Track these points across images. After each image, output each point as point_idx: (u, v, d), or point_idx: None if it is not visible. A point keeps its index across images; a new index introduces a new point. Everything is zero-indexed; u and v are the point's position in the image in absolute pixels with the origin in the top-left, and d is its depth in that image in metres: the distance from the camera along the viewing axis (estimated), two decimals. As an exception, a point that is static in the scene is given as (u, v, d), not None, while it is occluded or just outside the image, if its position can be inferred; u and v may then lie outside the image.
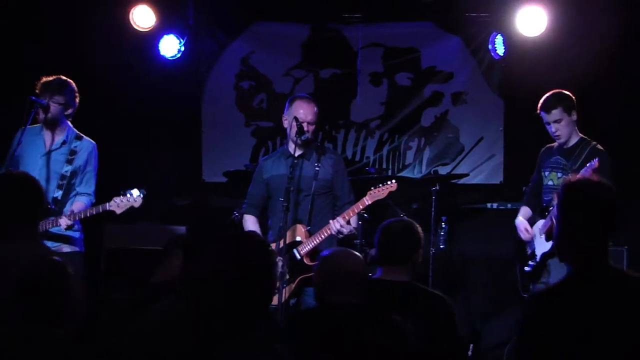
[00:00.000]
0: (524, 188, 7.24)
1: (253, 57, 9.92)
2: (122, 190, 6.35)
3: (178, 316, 3.37)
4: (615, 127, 8.37)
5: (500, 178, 9.37)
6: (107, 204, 6.33)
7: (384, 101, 9.80)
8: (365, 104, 9.78)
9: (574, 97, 6.59)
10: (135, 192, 6.33)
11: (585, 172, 5.97)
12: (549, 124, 6.57)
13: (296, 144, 6.65)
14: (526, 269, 6.73)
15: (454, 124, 9.62)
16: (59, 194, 6.47)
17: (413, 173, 9.64)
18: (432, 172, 9.43)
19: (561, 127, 6.50)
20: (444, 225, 8.22)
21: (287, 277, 6.51)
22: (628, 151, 8.11)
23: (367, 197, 6.69)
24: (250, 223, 6.70)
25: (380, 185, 6.69)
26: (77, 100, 6.70)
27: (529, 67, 8.58)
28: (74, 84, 6.68)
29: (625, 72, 8.61)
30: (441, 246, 8.32)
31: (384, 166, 9.72)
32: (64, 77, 6.61)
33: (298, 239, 6.63)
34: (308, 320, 4.25)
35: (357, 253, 4.49)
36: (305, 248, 6.61)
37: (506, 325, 7.78)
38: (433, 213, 8.12)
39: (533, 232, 6.70)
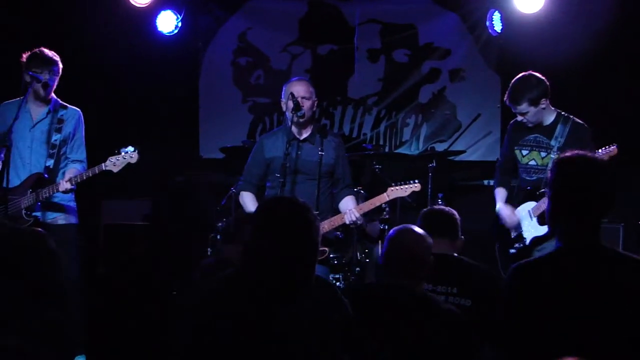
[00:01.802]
0: (497, 165, 6.91)
1: (250, 33, 9.92)
2: (117, 149, 6.33)
3: (240, 279, 3.42)
4: (613, 103, 8.36)
5: (497, 155, 9.32)
6: (103, 164, 6.31)
7: (381, 77, 9.80)
8: (363, 81, 9.79)
9: (544, 82, 6.24)
10: (130, 148, 6.31)
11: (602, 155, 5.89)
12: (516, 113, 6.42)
13: (297, 124, 6.56)
14: (511, 251, 6.51)
15: (452, 100, 9.63)
16: (50, 162, 6.47)
17: (410, 150, 9.65)
18: (429, 148, 9.44)
19: (529, 117, 6.26)
20: (440, 202, 8.21)
21: None
22: (625, 127, 8.10)
23: (387, 193, 6.57)
24: (249, 200, 6.62)
25: (404, 183, 6.58)
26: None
27: (527, 43, 8.57)
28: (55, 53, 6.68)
29: (622, 48, 8.60)
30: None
31: (381, 143, 9.72)
32: (49, 50, 6.59)
33: None
34: (371, 296, 4.22)
35: (425, 236, 4.41)
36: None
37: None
38: (430, 190, 8.13)
39: (518, 215, 6.55)
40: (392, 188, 6.55)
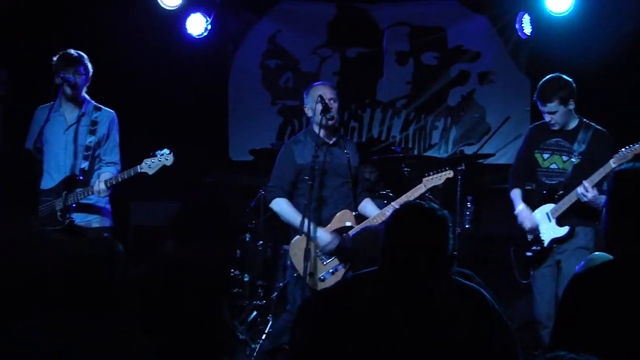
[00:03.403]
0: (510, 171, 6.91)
1: (280, 35, 9.94)
2: (152, 152, 6.33)
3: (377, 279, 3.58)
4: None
5: (526, 158, 9.34)
6: (138, 166, 6.30)
7: (410, 80, 9.79)
8: (392, 83, 9.79)
9: (572, 84, 6.28)
10: (166, 150, 6.29)
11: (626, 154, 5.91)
12: (544, 112, 6.43)
13: (327, 128, 6.54)
14: (528, 254, 6.49)
15: (481, 103, 9.60)
16: (85, 164, 6.49)
17: (439, 153, 9.63)
18: (458, 151, 9.42)
19: (556, 117, 6.27)
20: (469, 205, 8.21)
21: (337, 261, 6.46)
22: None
23: (423, 183, 6.58)
24: (286, 206, 6.50)
25: (437, 172, 6.57)
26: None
27: (557, 45, 8.53)
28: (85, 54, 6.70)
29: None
30: (467, 226, 8.31)
31: (410, 146, 9.72)
32: (76, 50, 6.62)
33: (348, 224, 6.54)
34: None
35: None
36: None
37: (531, 305, 7.77)
38: (459, 193, 8.10)
39: (535, 218, 6.51)
40: (427, 177, 6.57)
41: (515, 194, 6.71)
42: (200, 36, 9.05)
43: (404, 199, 6.56)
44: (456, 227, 7.99)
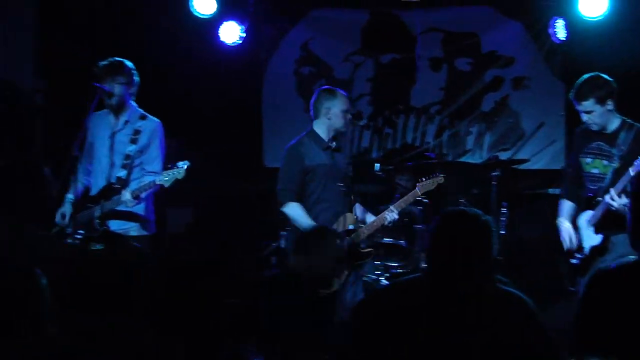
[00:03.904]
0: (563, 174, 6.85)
1: (313, 43, 9.97)
2: (171, 164, 6.35)
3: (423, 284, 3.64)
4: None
5: (561, 163, 9.27)
6: (157, 177, 6.34)
7: (443, 86, 9.78)
8: (425, 89, 9.79)
9: (612, 83, 6.13)
10: (180, 163, 6.31)
11: None
12: (580, 112, 6.31)
13: (337, 133, 6.70)
14: (573, 261, 6.35)
15: (515, 109, 9.57)
16: (123, 173, 6.49)
17: (473, 158, 9.61)
18: (492, 157, 9.38)
19: (593, 118, 6.08)
20: (504, 211, 8.18)
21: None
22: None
23: (418, 188, 6.83)
24: (300, 210, 6.55)
25: (429, 177, 6.85)
26: (137, 77, 6.74)
27: (591, 50, 8.48)
28: (130, 62, 6.73)
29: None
30: (501, 231, 8.28)
31: (444, 151, 9.71)
32: (118, 58, 6.66)
33: (351, 227, 6.62)
34: None
35: None
36: (362, 235, 6.63)
37: (567, 311, 7.72)
38: (493, 198, 8.08)
39: (579, 225, 6.43)
40: (421, 183, 6.83)
41: (561, 204, 6.58)
42: (234, 44, 9.08)
43: (401, 204, 6.69)
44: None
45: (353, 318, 3.79)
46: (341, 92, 6.75)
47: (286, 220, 6.65)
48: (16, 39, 8.94)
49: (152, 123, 6.68)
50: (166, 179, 6.24)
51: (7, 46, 8.85)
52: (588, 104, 6.07)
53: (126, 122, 6.60)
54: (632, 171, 5.81)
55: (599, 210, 6.11)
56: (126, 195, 6.34)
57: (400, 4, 9.58)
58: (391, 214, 6.68)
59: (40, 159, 6.21)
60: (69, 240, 6.16)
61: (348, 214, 6.58)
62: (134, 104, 6.68)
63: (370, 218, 6.83)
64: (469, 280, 3.47)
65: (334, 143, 6.73)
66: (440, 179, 6.85)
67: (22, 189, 4.53)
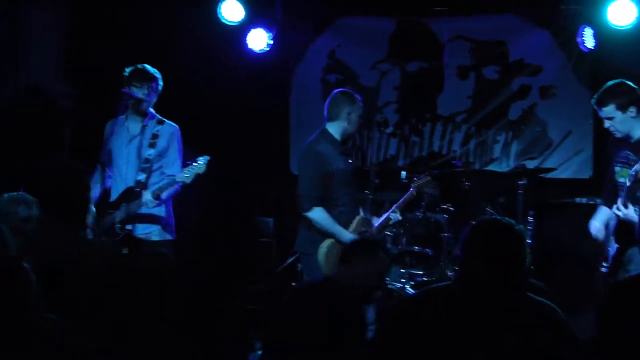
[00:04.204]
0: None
1: (340, 50, 9.98)
2: (189, 161, 6.38)
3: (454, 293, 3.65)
4: None
5: (589, 172, 9.25)
6: (176, 176, 6.38)
7: (470, 94, 9.76)
8: (452, 98, 9.77)
9: (637, 91, 6.07)
10: (200, 159, 6.34)
11: None
12: (602, 118, 6.25)
13: (349, 137, 6.90)
14: (602, 269, 6.32)
15: (542, 117, 9.53)
16: (142, 176, 6.55)
17: (500, 167, 9.58)
18: (519, 166, 9.35)
19: (615, 124, 6.03)
20: (531, 220, 8.14)
21: None
22: None
23: (413, 189, 7.13)
24: (327, 216, 6.57)
25: (419, 176, 7.23)
26: (161, 84, 6.79)
27: (620, 59, 8.42)
28: (155, 70, 6.79)
29: None
30: (528, 240, 8.24)
31: (471, 160, 9.69)
32: (147, 66, 6.72)
33: (363, 229, 6.69)
34: None
35: None
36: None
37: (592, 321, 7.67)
38: (520, 207, 8.04)
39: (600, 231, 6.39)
40: (415, 183, 7.15)
41: (598, 210, 6.54)
42: (262, 51, 9.11)
43: (401, 205, 6.88)
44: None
45: (381, 325, 3.80)
46: (358, 97, 6.79)
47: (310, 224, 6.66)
48: (47, 44, 9.02)
49: (170, 127, 6.75)
50: (187, 175, 6.28)
51: (38, 52, 8.92)
52: (608, 110, 6.04)
53: (144, 127, 6.67)
54: (627, 181, 5.80)
55: (613, 220, 6.10)
56: (147, 195, 6.39)
57: (428, 12, 9.58)
58: (395, 215, 6.77)
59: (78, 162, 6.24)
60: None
61: (360, 217, 6.65)
62: (151, 109, 6.74)
63: (375, 220, 6.92)
64: (501, 290, 3.46)
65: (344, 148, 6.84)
66: (426, 177, 7.23)
67: (71, 191, 4.57)
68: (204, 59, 9.29)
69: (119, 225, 6.41)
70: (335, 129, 6.69)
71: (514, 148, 9.61)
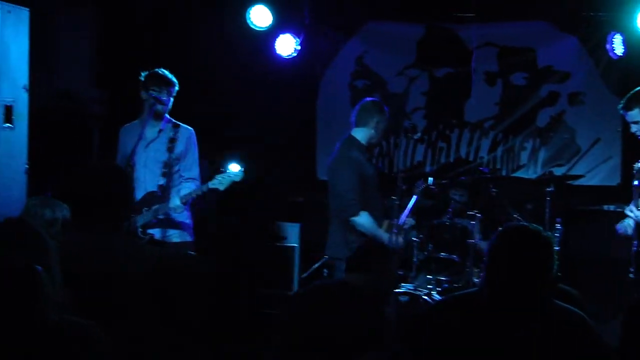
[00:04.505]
0: None
1: (367, 56, 10.00)
2: (223, 167, 6.43)
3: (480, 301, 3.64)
4: None
5: (617, 180, 9.20)
6: (210, 182, 6.43)
7: (498, 101, 9.74)
8: (480, 104, 9.74)
9: None
10: (236, 166, 6.39)
11: None
12: (629, 122, 6.26)
13: (373, 146, 7.07)
14: (630, 275, 6.41)
15: (570, 124, 9.49)
16: (163, 181, 6.60)
17: (527, 174, 9.55)
18: (547, 173, 9.32)
19: None
20: (558, 227, 8.10)
21: None
22: None
23: (414, 192, 7.30)
24: (372, 220, 6.70)
25: (418, 183, 7.36)
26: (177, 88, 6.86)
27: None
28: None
29: None
30: (555, 247, 8.20)
31: (498, 166, 9.67)
32: (164, 70, 6.77)
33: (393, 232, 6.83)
34: None
35: None
36: None
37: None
38: (547, 214, 8.00)
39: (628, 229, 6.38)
40: (415, 190, 7.28)
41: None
42: (289, 57, 9.14)
43: (406, 212, 6.93)
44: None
45: (408, 332, 3.79)
46: (386, 108, 6.86)
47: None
48: (77, 48, 9.09)
49: (186, 131, 6.80)
50: (221, 182, 6.33)
51: (68, 56, 8.99)
52: (634, 114, 6.12)
53: (160, 131, 6.71)
54: (636, 181, 5.81)
55: (631, 224, 6.10)
56: (175, 201, 6.43)
57: (456, 19, 9.56)
58: (409, 220, 6.96)
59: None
60: None
61: (388, 221, 6.73)
62: (166, 114, 6.79)
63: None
64: (527, 297, 3.44)
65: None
66: (423, 185, 7.31)
67: (117, 191, 4.62)
68: (233, 64, 9.33)
69: (141, 230, 6.46)
70: (361, 135, 6.78)
71: (542, 155, 9.58)
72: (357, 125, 6.84)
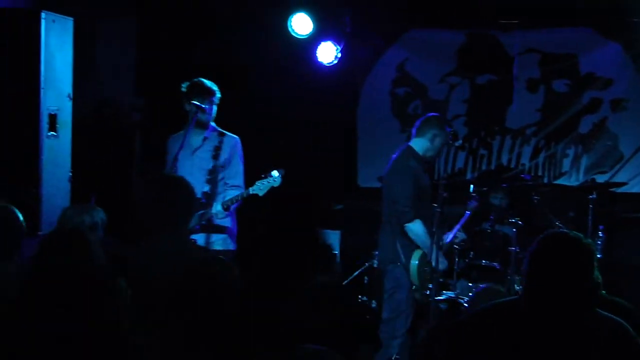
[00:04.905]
0: None
1: (408, 63, 9.99)
2: (264, 174, 6.47)
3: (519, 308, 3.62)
4: None
5: (661, 187, 9.13)
6: (250, 188, 6.47)
7: (540, 108, 9.69)
8: (521, 111, 9.71)
9: None
10: (275, 173, 6.43)
11: None
12: None
13: (428, 159, 7.00)
14: None
15: (613, 131, 9.42)
16: (207, 187, 6.64)
17: (569, 181, 9.49)
18: (589, 180, 9.25)
19: None
20: (601, 234, 8.05)
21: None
22: None
23: (469, 212, 7.67)
24: (424, 228, 6.77)
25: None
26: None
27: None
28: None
29: None
30: (598, 255, 8.13)
31: (540, 173, 9.62)
32: (204, 79, 6.82)
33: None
34: None
35: None
36: None
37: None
38: (590, 222, 7.96)
39: None
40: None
41: None
42: (330, 64, 9.16)
43: (455, 229, 7.25)
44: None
45: (448, 338, 3.79)
46: (448, 129, 6.91)
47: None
48: (118, 57, 9.18)
49: (232, 139, 6.83)
50: (261, 188, 6.37)
51: (109, 64, 9.09)
52: None
53: (205, 139, 6.75)
54: None
55: None
56: (217, 207, 6.49)
57: (498, 25, 9.54)
58: (460, 234, 7.41)
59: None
60: None
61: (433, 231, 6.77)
62: (212, 122, 6.83)
63: (446, 236, 7.33)
64: (567, 305, 3.42)
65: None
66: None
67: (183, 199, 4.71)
68: (274, 72, 9.37)
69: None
70: (419, 146, 6.87)
71: (584, 162, 9.51)
72: (416, 136, 6.94)
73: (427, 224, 6.72)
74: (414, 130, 7.01)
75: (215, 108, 6.75)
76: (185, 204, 4.72)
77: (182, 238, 4.67)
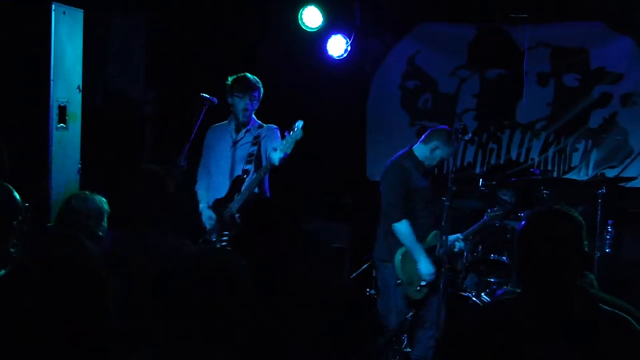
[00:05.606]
0: None
1: (419, 56, 9.98)
2: (286, 132, 6.54)
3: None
4: None
5: (670, 182, 9.10)
6: (278, 149, 6.53)
7: (550, 102, 9.67)
8: (531, 105, 9.68)
9: None
10: (299, 123, 6.51)
11: None
12: None
13: (427, 167, 7.06)
14: None
15: (623, 126, 9.39)
16: (249, 166, 6.78)
17: (579, 175, 9.47)
18: (599, 174, 9.23)
19: None
20: (610, 229, 8.03)
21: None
22: None
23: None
24: (412, 228, 6.86)
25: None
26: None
27: None
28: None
29: None
30: (607, 250, 8.14)
31: (549, 168, 9.60)
32: (248, 74, 6.91)
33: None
34: None
35: None
36: None
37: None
38: (599, 216, 7.95)
39: None
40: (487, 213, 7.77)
41: None
42: (340, 57, 9.17)
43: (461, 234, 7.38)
44: (595, 251, 7.84)
45: (453, 335, 3.78)
46: (455, 145, 6.89)
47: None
48: (129, 49, 9.20)
49: (270, 127, 6.96)
50: (287, 145, 6.40)
51: (119, 57, 9.11)
52: None
53: (247, 130, 6.86)
54: None
55: None
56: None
57: (508, 19, 9.51)
58: (460, 244, 7.44)
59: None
60: (218, 246, 6.43)
61: (435, 232, 6.85)
62: (254, 117, 6.93)
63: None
64: (559, 277, 3.40)
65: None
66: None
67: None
68: (284, 65, 9.37)
69: (238, 215, 6.58)
70: (420, 151, 6.96)
71: (594, 156, 9.49)
72: (422, 142, 6.99)
73: (422, 227, 6.78)
74: (423, 137, 7.08)
75: (255, 103, 6.87)
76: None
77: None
